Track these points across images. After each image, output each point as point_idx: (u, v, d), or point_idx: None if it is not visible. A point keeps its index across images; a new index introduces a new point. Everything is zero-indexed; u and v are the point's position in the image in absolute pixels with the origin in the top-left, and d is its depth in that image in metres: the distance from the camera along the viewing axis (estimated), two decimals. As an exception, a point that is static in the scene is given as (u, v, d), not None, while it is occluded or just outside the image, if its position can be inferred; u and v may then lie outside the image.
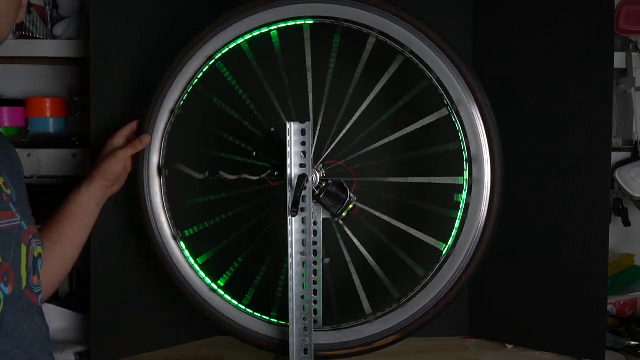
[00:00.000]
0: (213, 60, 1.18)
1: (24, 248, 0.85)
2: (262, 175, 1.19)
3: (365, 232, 1.24)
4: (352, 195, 1.15)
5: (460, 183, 1.14)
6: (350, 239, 1.18)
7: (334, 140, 1.19)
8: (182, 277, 1.21)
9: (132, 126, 1.21)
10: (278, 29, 1.17)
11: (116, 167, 1.14)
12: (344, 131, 1.19)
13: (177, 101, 1.19)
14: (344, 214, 1.14)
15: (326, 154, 1.19)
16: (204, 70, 1.19)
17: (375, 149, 1.20)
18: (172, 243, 1.21)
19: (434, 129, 1.17)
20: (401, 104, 1.20)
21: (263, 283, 1.25)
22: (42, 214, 1.04)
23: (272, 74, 1.22)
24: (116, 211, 1.31)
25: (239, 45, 1.18)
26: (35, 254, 0.88)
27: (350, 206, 1.14)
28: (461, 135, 1.13)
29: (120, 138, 1.19)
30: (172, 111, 1.19)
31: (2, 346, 0.78)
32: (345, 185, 1.15)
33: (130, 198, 1.25)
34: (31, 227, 0.89)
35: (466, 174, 1.13)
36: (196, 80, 1.19)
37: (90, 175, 1.14)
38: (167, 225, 1.21)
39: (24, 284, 0.84)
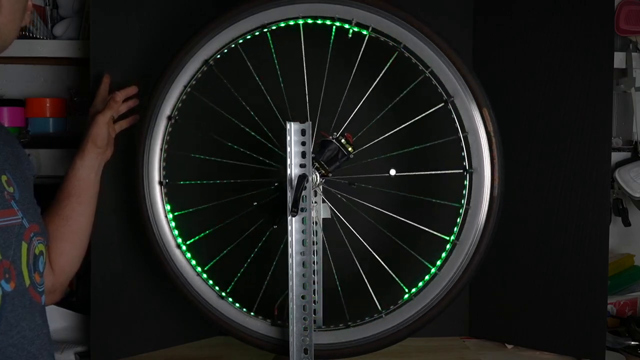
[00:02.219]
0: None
1: (24, 246, 0.85)
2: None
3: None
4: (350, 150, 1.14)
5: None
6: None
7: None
8: (184, 280, 1.21)
9: (105, 85, 1.22)
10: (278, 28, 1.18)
11: (101, 132, 1.16)
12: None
13: (174, 106, 1.20)
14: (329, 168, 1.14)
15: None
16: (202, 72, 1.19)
17: (377, 145, 1.21)
18: (176, 251, 1.21)
19: (434, 131, 1.16)
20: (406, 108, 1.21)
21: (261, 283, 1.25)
22: (42, 213, 1.04)
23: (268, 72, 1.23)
24: (116, 211, 1.32)
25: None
26: (37, 252, 0.88)
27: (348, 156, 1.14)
28: (461, 136, 1.13)
29: (98, 104, 1.20)
30: (169, 118, 1.20)
31: None
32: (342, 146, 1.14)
33: (129, 198, 1.26)
34: (33, 225, 0.89)
35: (466, 175, 1.13)
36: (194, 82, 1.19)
37: (80, 147, 1.15)
38: (169, 234, 1.21)
39: (28, 281, 0.84)
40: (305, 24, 1.17)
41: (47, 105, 1.49)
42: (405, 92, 1.19)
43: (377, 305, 1.16)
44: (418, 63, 1.13)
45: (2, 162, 0.89)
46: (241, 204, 1.25)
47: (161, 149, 1.20)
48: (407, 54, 1.13)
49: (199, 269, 1.21)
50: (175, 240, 1.20)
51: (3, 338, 0.79)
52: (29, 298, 0.84)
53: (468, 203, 1.13)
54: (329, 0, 1.14)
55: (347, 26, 1.15)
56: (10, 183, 0.88)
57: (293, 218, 1.10)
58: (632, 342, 1.39)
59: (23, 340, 0.82)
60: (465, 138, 1.13)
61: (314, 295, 1.15)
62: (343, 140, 1.14)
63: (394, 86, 1.23)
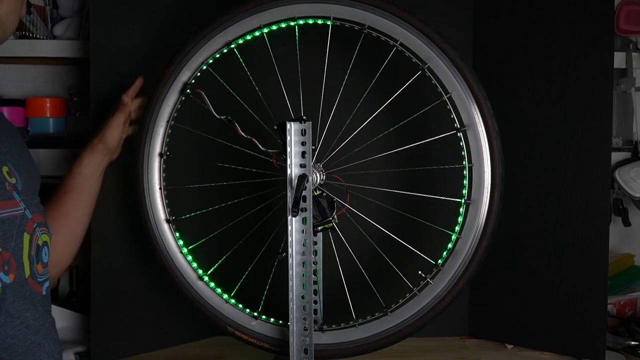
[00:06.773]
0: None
1: (26, 237, 0.85)
2: (271, 151, 1.17)
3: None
4: (335, 217, 1.15)
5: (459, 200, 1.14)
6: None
7: (338, 143, 1.20)
8: (183, 278, 1.21)
9: (134, 88, 1.22)
10: (298, 26, 1.18)
11: (113, 134, 1.17)
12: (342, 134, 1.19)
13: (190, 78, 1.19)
14: (318, 228, 1.14)
15: (329, 157, 1.20)
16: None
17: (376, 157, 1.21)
18: (168, 233, 1.21)
19: (434, 129, 1.16)
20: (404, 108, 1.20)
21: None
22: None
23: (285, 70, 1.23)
24: (116, 212, 1.32)
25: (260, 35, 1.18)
26: (40, 242, 0.89)
27: (328, 225, 1.14)
28: (461, 135, 1.13)
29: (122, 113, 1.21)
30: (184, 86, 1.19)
31: None
32: (335, 204, 1.15)
33: (130, 198, 1.26)
34: (37, 216, 0.89)
35: (466, 174, 1.13)
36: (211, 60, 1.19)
37: (89, 145, 1.16)
38: (170, 237, 1.21)
39: (27, 272, 0.85)
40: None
41: (47, 105, 1.49)
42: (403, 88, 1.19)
43: (378, 304, 1.16)
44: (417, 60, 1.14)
45: (4, 153, 0.89)
46: (241, 203, 1.25)
47: (160, 154, 1.21)
48: (406, 53, 1.14)
49: (200, 271, 1.21)
50: (177, 243, 1.20)
51: (3, 329, 0.79)
52: (29, 289, 0.85)
53: (468, 202, 1.13)
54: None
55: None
56: (12, 174, 0.88)
57: (293, 218, 1.10)
58: (632, 342, 1.39)
59: (27, 330, 0.83)
60: (465, 136, 1.13)
61: (314, 295, 1.15)
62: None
63: (393, 85, 1.22)
